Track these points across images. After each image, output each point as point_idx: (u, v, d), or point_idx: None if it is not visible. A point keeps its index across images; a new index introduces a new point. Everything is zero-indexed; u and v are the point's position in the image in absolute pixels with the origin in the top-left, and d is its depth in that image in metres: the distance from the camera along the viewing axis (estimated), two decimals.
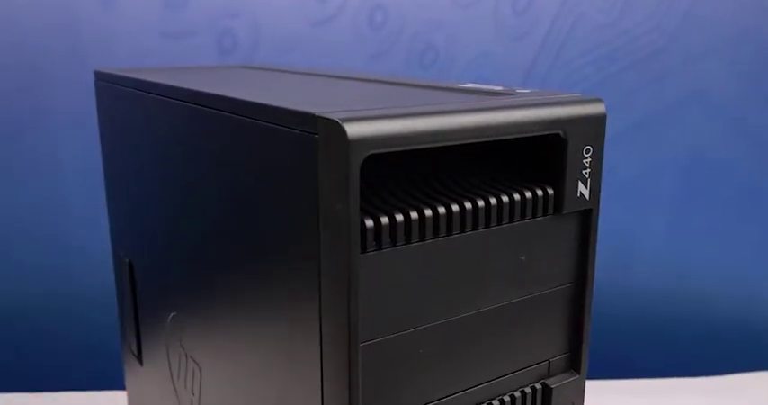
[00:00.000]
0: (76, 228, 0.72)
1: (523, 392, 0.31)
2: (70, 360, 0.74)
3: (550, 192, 0.29)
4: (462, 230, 0.27)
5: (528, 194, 0.29)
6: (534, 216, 0.29)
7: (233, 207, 0.31)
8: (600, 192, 0.30)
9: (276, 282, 0.28)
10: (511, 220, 0.28)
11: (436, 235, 0.26)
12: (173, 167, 0.37)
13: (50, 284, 0.73)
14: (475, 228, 0.27)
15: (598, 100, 0.30)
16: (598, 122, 0.30)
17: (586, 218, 0.31)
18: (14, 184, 0.71)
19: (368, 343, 0.26)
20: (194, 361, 0.38)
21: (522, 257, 0.29)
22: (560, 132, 0.29)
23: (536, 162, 0.30)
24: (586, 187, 0.30)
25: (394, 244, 0.25)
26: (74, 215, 0.71)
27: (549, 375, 0.32)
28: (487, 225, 0.28)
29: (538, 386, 0.32)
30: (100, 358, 0.69)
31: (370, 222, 0.25)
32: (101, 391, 0.69)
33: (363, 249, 0.25)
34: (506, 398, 0.31)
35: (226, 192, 0.32)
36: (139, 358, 0.48)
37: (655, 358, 0.80)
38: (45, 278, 0.73)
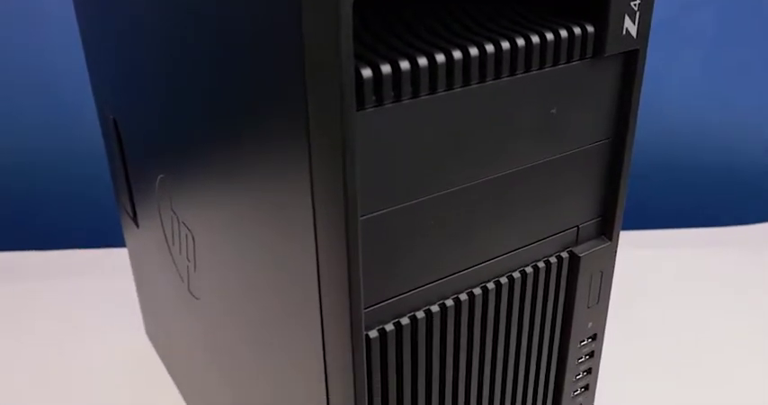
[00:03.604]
0: (69, 82, 0.68)
1: (548, 262, 0.28)
2: (71, 217, 0.74)
3: (590, 30, 0.25)
4: (482, 79, 0.23)
5: (563, 33, 0.25)
6: (570, 60, 0.25)
7: (213, 54, 0.26)
8: (650, 29, 0.25)
9: (264, 145, 0.24)
10: (541, 65, 0.24)
11: (450, 86, 0.22)
12: (148, 17, 0.32)
13: (47, 141, 0.71)
14: (498, 76, 0.23)
15: None
16: None
17: (632, 61, 0.27)
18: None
19: (369, 216, 0.22)
20: (187, 227, 0.35)
21: (554, 110, 0.26)
22: None
23: None
24: (634, 23, 0.25)
25: (398, 98, 0.22)
26: (69, 70, 0.67)
27: (577, 243, 0.29)
28: (513, 72, 0.24)
29: (564, 255, 0.29)
30: (102, 217, 0.67)
31: (367, 72, 0.21)
32: (104, 248, 0.68)
33: (360, 105, 0.21)
34: (529, 269, 0.28)
35: (205, 36, 0.27)
36: (135, 220, 0.46)
37: (680, 208, 0.78)
38: (41, 135, 0.71)
